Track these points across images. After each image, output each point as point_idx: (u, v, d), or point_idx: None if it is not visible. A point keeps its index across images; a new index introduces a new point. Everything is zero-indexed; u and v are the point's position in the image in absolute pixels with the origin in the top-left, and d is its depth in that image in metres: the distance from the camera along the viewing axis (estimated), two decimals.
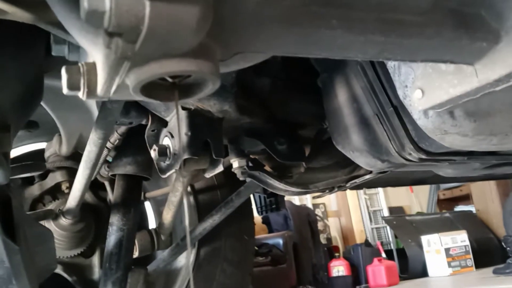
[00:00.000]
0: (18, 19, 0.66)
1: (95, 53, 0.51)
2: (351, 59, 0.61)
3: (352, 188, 2.18)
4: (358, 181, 1.66)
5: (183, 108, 1.26)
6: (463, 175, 1.55)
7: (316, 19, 0.51)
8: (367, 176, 1.60)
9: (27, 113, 1.08)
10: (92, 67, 0.53)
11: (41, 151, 1.93)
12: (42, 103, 1.38)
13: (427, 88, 0.75)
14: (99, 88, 0.53)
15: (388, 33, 0.54)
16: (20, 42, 0.95)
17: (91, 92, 0.53)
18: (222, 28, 0.48)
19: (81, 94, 0.54)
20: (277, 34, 0.51)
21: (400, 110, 1.11)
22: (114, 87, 0.52)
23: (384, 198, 8.28)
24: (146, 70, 0.47)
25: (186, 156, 1.25)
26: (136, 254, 1.78)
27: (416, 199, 8.34)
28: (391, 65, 0.96)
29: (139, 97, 0.52)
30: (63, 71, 0.52)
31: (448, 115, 0.92)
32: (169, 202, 1.68)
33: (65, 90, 0.53)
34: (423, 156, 1.15)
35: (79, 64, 0.53)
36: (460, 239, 5.72)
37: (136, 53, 0.44)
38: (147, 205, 2.28)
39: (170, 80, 0.51)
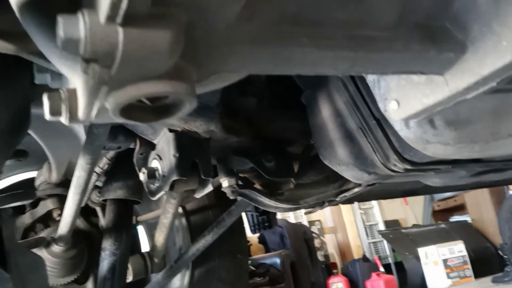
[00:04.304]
0: (1, 50, 0.68)
1: (75, 79, 0.53)
2: (324, 74, 0.63)
3: (343, 202, 2.19)
4: (348, 194, 1.67)
5: (170, 130, 1.27)
6: (450, 184, 1.56)
7: (286, 38, 0.53)
8: (356, 189, 1.62)
9: (15, 141, 1.09)
10: (72, 92, 0.54)
11: (32, 180, 1.93)
12: (30, 132, 1.39)
13: (402, 99, 0.77)
14: (80, 113, 0.54)
15: (357, 49, 0.56)
16: (5, 72, 0.96)
17: (73, 116, 0.55)
18: (195, 50, 0.50)
19: (63, 119, 0.55)
20: (249, 54, 0.53)
21: (382, 123, 1.13)
22: (94, 111, 0.53)
23: (380, 212, 8.28)
24: (124, 93, 0.48)
25: (175, 177, 1.26)
26: (130, 278, 1.77)
27: (411, 212, 8.36)
28: (370, 79, 0.98)
29: (119, 120, 0.53)
30: (45, 97, 0.54)
31: (429, 125, 0.94)
32: (160, 224, 1.69)
33: (47, 116, 0.55)
34: (408, 167, 1.17)
35: (60, 91, 0.55)
36: (457, 249, 5.73)
37: (113, 77, 0.46)
38: (140, 229, 2.28)
39: (147, 102, 0.53)
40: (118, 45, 0.43)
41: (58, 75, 0.72)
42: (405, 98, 0.76)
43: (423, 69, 0.65)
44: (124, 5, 0.41)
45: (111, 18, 0.42)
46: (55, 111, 0.55)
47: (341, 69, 0.59)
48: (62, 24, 0.42)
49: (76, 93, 0.54)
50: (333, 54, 0.56)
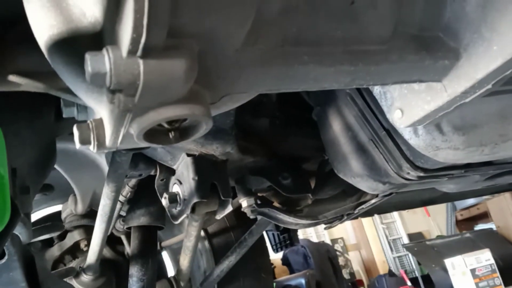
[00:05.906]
0: (30, 90, 0.74)
1: (101, 109, 0.59)
2: (327, 88, 0.67)
3: (362, 215, 2.20)
4: (365, 206, 1.69)
5: (188, 155, 1.32)
6: (466, 189, 1.57)
7: (289, 57, 0.58)
8: (373, 201, 1.64)
9: (43, 175, 1.15)
10: (99, 122, 0.60)
11: (58, 213, 2.00)
12: (55, 166, 1.46)
13: (405, 107, 0.81)
14: (107, 140, 0.60)
15: (356, 63, 0.61)
16: (32, 110, 1.03)
17: (101, 144, 0.60)
18: (208, 75, 0.55)
19: (92, 147, 0.61)
20: (257, 74, 0.58)
21: (392, 133, 1.16)
22: (120, 137, 0.59)
23: (402, 225, 8.18)
24: (146, 118, 0.54)
25: (195, 200, 1.30)
26: None
27: (434, 223, 8.24)
28: (377, 92, 1.02)
29: (143, 144, 0.59)
30: (75, 128, 0.60)
31: (437, 131, 0.97)
32: (184, 248, 1.72)
33: (77, 145, 0.60)
34: (421, 174, 1.19)
35: (88, 121, 0.60)
36: (484, 258, 5.62)
37: (136, 104, 0.51)
38: (164, 255, 2.33)
39: (166, 126, 0.58)
40: (140, 75, 0.48)
41: (83, 108, 0.78)
42: (408, 106, 0.80)
43: (421, 78, 0.70)
44: (143, 39, 0.46)
45: (132, 52, 0.47)
46: (84, 140, 0.60)
47: (343, 82, 0.64)
48: (89, 60, 0.48)
49: (102, 123, 0.60)
50: (333, 69, 0.61)
